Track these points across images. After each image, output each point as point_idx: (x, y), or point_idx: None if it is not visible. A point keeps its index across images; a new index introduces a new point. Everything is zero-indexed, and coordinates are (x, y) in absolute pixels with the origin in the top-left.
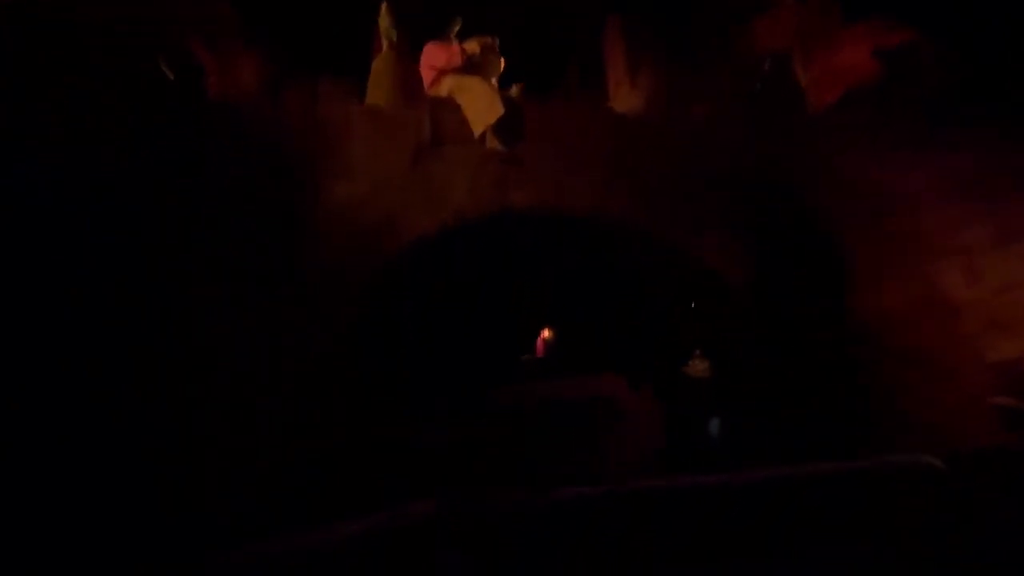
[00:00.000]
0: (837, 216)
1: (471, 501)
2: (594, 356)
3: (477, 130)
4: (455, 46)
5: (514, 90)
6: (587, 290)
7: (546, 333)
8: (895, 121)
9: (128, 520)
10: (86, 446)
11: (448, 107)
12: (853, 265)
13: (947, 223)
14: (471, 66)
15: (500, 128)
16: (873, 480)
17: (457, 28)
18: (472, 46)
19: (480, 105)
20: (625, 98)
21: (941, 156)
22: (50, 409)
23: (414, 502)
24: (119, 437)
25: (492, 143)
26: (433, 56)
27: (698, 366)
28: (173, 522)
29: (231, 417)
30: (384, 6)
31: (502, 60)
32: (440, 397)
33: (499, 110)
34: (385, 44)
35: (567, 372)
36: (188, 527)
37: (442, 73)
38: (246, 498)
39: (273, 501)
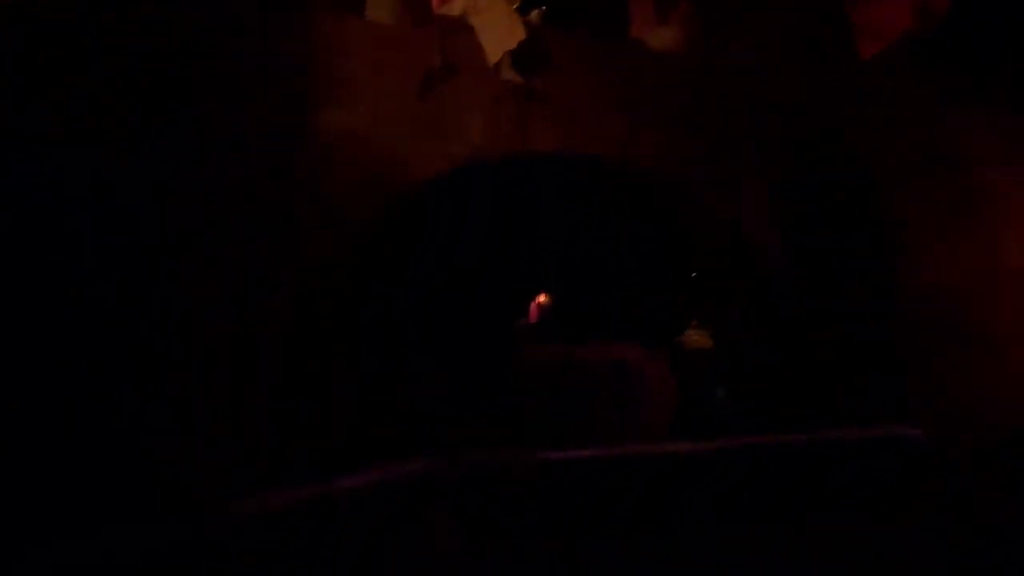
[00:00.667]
0: (890, 175)
1: (462, 459)
2: (595, 323)
3: (493, 57)
4: None
5: (535, 14)
6: (600, 249)
7: (542, 298)
8: (949, 73)
9: (127, 521)
10: (86, 447)
11: (461, 29)
12: (906, 230)
13: (1010, 189)
14: None
15: (519, 56)
16: (857, 450)
17: None
18: None
19: (497, 29)
20: (656, 34)
21: (1000, 113)
22: (50, 409)
23: (409, 460)
24: (119, 438)
25: (509, 73)
26: None
27: (694, 337)
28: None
29: (231, 417)
30: None
31: None
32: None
33: (519, 35)
34: None
35: (562, 339)
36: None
37: None
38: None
39: None
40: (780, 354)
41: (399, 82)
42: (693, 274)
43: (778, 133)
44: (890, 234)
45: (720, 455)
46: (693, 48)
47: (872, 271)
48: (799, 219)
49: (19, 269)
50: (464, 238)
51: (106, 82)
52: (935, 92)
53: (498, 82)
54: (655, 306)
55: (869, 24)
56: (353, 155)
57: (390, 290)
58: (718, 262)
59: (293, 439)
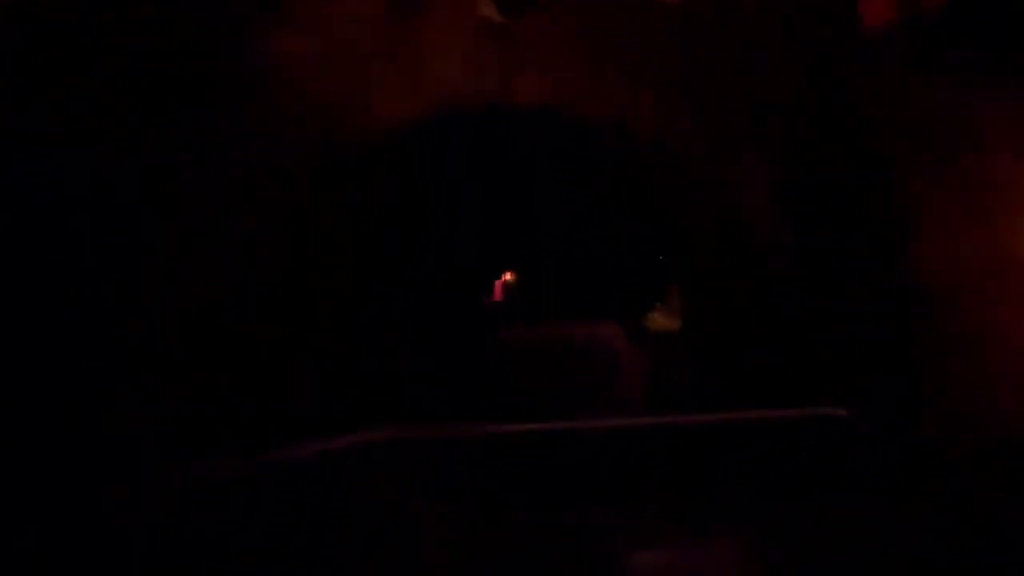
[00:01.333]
0: (893, 171)
1: (412, 430)
2: (564, 303)
3: None
4: None
5: None
6: (577, 222)
7: (508, 275)
8: (955, 62)
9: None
10: (84, 446)
11: None
12: (909, 227)
13: (1020, 182)
14: None
15: None
16: (781, 429)
17: None
18: None
19: None
20: None
21: (1010, 102)
22: (49, 409)
23: (359, 431)
24: (118, 437)
25: (487, 8)
26: None
27: (659, 319)
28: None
29: (230, 416)
30: None
31: None
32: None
33: None
34: None
35: (530, 320)
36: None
37: None
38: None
39: None
40: (781, 354)
41: (360, 11)
42: (661, 257)
43: (778, 132)
44: (892, 232)
45: (651, 431)
46: (693, 38)
47: (873, 270)
48: (800, 218)
49: (19, 269)
50: (433, 201)
51: (106, 82)
52: (942, 83)
53: (478, 18)
54: (627, 288)
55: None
56: (301, 92)
57: (343, 256)
58: (718, 261)
59: (294, 436)
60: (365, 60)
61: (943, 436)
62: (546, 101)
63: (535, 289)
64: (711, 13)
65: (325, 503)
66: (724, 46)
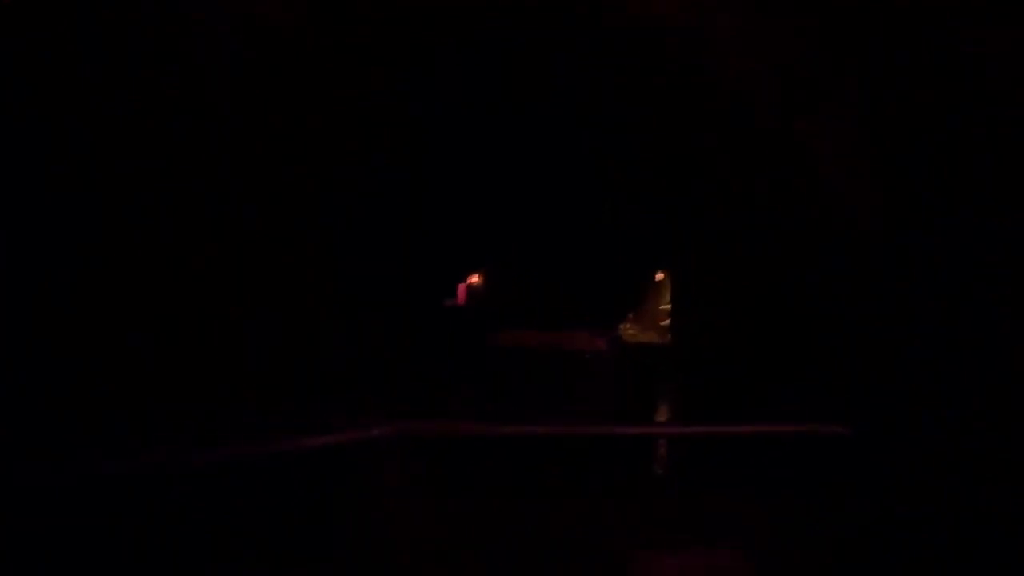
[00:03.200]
0: None
1: (424, 427)
2: (539, 310)
3: None
4: None
5: None
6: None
7: (474, 278)
8: None
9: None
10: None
11: None
12: None
13: None
14: None
15: None
16: (777, 442)
17: None
18: None
19: None
20: None
21: None
22: (47, 408)
23: (374, 426)
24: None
25: None
26: None
27: (630, 331)
28: None
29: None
30: None
31: None
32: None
33: None
34: None
35: (496, 326)
36: None
37: None
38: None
39: None
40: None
41: None
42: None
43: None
44: None
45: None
46: None
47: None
48: (890, 180)
49: (18, 268)
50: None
51: (106, 83)
52: None
53: None
54: (601, 298)
55: None
56: None
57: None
58: (781, 233)
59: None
60: None
61: None
62: None
63: (507, 295)
64: None
65: (330, 492)
66: None
